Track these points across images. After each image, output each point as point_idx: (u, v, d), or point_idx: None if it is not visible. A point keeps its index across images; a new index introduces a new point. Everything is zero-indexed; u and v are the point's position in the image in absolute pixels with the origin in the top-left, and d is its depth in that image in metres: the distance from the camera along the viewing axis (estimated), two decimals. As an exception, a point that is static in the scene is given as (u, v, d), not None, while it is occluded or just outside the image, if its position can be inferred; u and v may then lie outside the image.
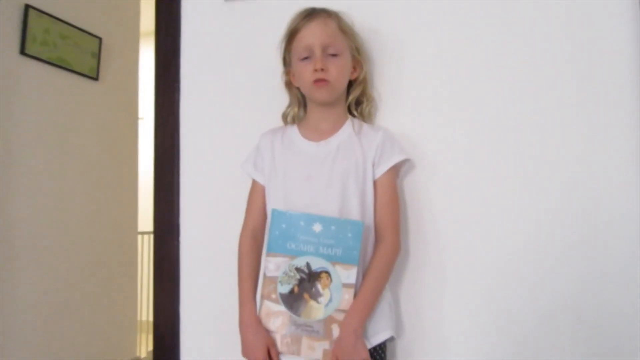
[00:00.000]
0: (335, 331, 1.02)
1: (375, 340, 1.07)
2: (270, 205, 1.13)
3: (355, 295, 1.03)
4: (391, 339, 1.10)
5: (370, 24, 1.25)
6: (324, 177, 1.10)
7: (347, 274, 1.03)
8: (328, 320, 1.02)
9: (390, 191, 1.12)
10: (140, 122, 3.01)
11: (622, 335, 1.10)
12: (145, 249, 3.14)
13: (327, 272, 1.03)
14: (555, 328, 1.13)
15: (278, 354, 1.04)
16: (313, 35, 1.09)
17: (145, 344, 3.16)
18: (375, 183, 1.11)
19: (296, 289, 1.04)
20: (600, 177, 1.13)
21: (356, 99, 1.19)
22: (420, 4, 1.24)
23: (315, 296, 1.03)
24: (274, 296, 1.04)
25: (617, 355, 1.09)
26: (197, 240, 1.39)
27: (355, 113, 1.20)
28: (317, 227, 1.04)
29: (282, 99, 1.24)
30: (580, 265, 1.12)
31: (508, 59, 1.19)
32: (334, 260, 1.03)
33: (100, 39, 2.55)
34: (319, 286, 1.03)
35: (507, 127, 1.18)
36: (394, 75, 1.25)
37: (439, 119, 1.22)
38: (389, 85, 1.25)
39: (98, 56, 2.55)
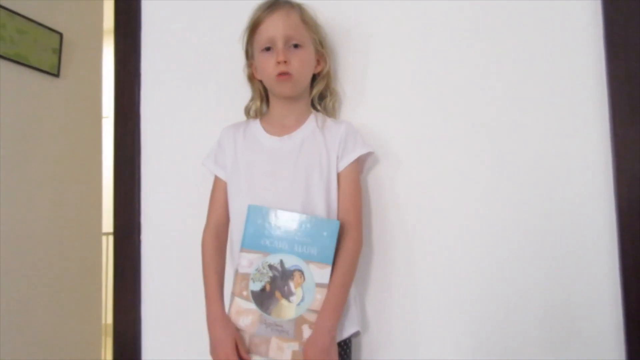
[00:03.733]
0: (306, 332, 1.00)
1: (340, 336, 1.06)
2: (233, 201, 1.12)
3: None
4: (356, 334, 1.09)
5: (333, 17, 1.24)
6: (288, 172, 1.08)
7: (321, 274, 1.01)
8: (299, 321, 1.00)
9: (354, 184, 1.11)
10: (104, 121, 2.93)
11: (591, 329, 1.12)
12: (110, 250, 3.06)
13: (301, 271, 1.01)
14: (523, 321, 1.14)
15: (246, 352, 1.01)
16: (275, 27, 1.08)
17: (110, 348, 3.09)
18: (338, 176, 1.10)
19: (268, 287, 1.02)
20: (570, 169, 1.14)
21: (320, 93, 1.18)
22: (384, -3, 1.24)
23: (287, 295, 1.01)
24: (245, 293, 1.02)
25: (588, 347, 1.11)
26: (158, 239, 1.35)
27: (318, 107, 1.19)
28: (293, 225, 1.03)
29: (244, 93, 1.22)
30: (550, 258, 1.14)
31: (474, 53, 1.20)
32: (308, 259, 1.02)
33: (61, 34, 2.47)
34: (292, 285, 1.01)
35: (473, 120, 1.19)
36: (358, 69, 1.25)
37: (403, 113, 1.22)
38: (353, 80, 1.25)
39: (59, 52, 2.47)
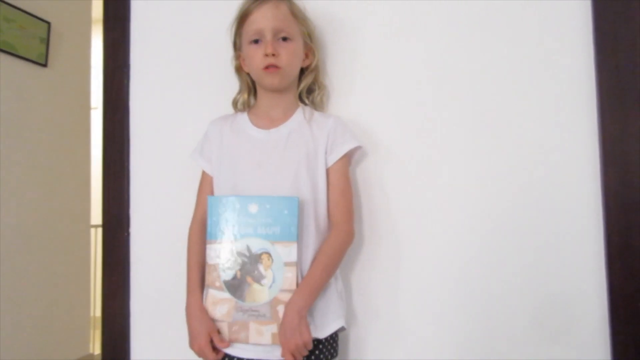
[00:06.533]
0: (282, 312, 1.00)
1: (325, 331, 1.06)
2: (219, 193, 1.11)
3: (303, 276, 1.02)
4: (342, 329, 1.09)
5: (321, 10, 1.23)
6: (275, 164, 1.08)
7: (287, 252, 1.01)
8: (274, 302, 1.01)
9: (344, 179, 1.12)
10: (93, 112, 2.90)
11: (577, 323, 1.12)
12: (99, 242, 3.04)
13: (268, 253, 1.02)
14: (511, 314, 1.15)
15: (222, 341, 1.02)
16: (264, 18, 1.07)
17: (99, 341, 3.07)
18: (328, 171, 1.10)
19: (239, 274, 1.02)
20: (558, 164, 1.14)
21: (308, 87, 1.18)
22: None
23: (259, 278, 1.02)
24: (217, 284, 1.03)
25: (573, 342, 1.12)
26: (148, 231, 1.34)
27: (306, 101, 1.19)
28: (253, 208, 1.03)
29: (235, 85, 1.21)
30: (537, 252, 1.14)
31: (463, 47, 1.20)
32: (273, 239, 1.02)
33: (49, 23, 2.44)
34: (261, 268, 1.02)
35: (460, 114, 1.19)
36: (346, 63, 1.24)
37: (391, 107, 1.22)
38: (341, 74, 1.24)
39: (47, 42, 2.44)
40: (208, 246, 1.05)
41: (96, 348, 3.06)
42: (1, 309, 2.20)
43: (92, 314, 2.97)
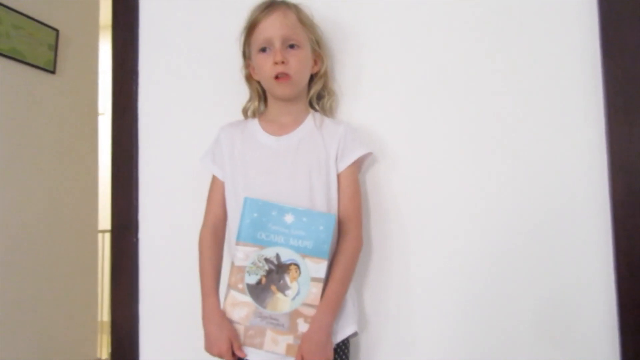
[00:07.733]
0: (301, 326, 1.00)
1: (339, 337, 1.06)
2: (230, 199, 1.12)
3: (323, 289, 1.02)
4: (354, 334, 1.10)
5: (330, 17, 1.24)
6: (286, 171, 1.09)
7: (316, 268, 1.01)
8: (294, 314, 1.01)
9: (354, 185, 1.12)
10: (100, 118, 2.92)
11: (586, 327, 1.12)
12: (106, 247, 3.06)
13: (297, 265, 1.02)
14: (520, 319, 1.14)
15: (241, 346, 1.02)
16: (273, 27, 1.08)
17: (106, 345, 3.08)
18: (338, 177, 1.11)
19: (263, 280, 1.02)
20: (565, 168, 1.15)
21: (317, 93, 1.18)
22: (381, -3, 1.24)
23: (283, 289, 1.02)
24: (240, 286, 1.03)
25: (583, 345, 1.12)
26: (156, 236, 1.35)
27: (316, 107, 1.19)
28: (289, 218, 1.02)
29: (242, 90, 1.22)
30: (545, 256, 1.14)
31: (470, 52, 1.20)
32: (304, 252, 1.02)
33: (57, 30, 2.46)
34: (287, 278, 1.02)
35: (468, 119, 1.19)
36: (355, 68, 1.25)
37: (400, 112, 1.22)
38: (350, 79, 1.25)
39: (55, 48, 2.46)
40: (236, 247, 1.04)
41: (104, 353, 3.07)
42: (8, 313, 2.21)
43: (99, 319, 2.98)
